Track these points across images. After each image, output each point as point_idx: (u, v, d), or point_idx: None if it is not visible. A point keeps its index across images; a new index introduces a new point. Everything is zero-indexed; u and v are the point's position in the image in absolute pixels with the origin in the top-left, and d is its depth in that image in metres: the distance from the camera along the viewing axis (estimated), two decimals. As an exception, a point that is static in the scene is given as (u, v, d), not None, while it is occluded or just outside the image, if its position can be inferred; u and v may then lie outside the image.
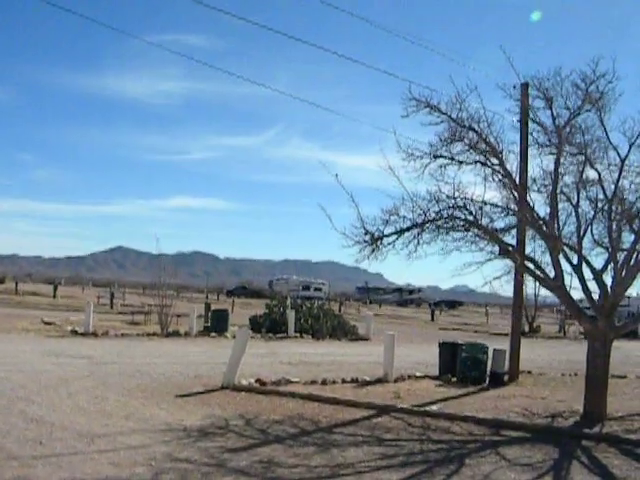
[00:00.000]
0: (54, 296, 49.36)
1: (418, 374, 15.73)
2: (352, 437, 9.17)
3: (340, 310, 46.26)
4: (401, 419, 10.61)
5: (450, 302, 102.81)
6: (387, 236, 11.66)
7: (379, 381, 14.35)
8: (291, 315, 25.83)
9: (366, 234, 11.58)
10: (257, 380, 13.09)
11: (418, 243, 11.71)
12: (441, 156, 11.86)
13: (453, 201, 11.59)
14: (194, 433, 8.75)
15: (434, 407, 11.59)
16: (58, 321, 25.11)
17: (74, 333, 21.45)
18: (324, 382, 13.71)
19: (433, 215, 11.56)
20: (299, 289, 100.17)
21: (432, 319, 52.77)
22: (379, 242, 11.63)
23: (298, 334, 25.72)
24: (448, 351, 16.14)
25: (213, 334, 23.66)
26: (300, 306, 28.38)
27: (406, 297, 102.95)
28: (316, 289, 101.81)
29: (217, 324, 24.61)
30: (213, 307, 30.93)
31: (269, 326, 26.65)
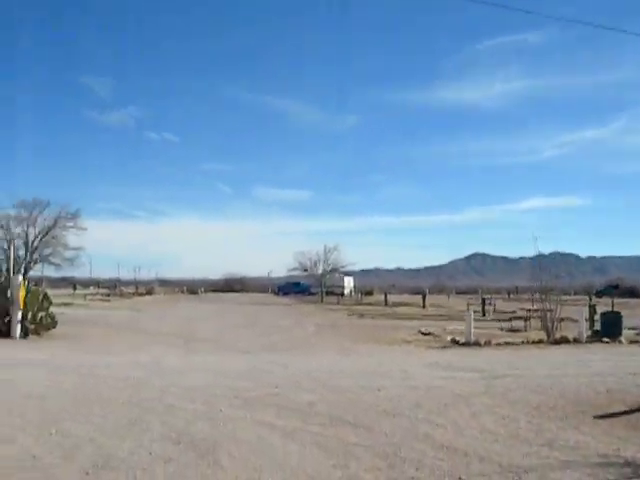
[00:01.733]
0: (423, 306, 49.84)
1: None
2: None
3: None
4: None
5: None
6: None
7: None
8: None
9: None
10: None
11: None
12: None
13: None
14: (644, 470, 6.89)
15: None
16: (435, 331, 24.52)
17: (455, 343, 20.57)
18: None
19: None
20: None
21: None
22: None
23: None
24: None
25: (605, 339, 21.15)
26: None
27: None
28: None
29: (608, 328, 22.02)
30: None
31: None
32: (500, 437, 8.19)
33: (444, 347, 19.77)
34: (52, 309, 21.59)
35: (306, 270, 67.87)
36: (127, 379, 11.98)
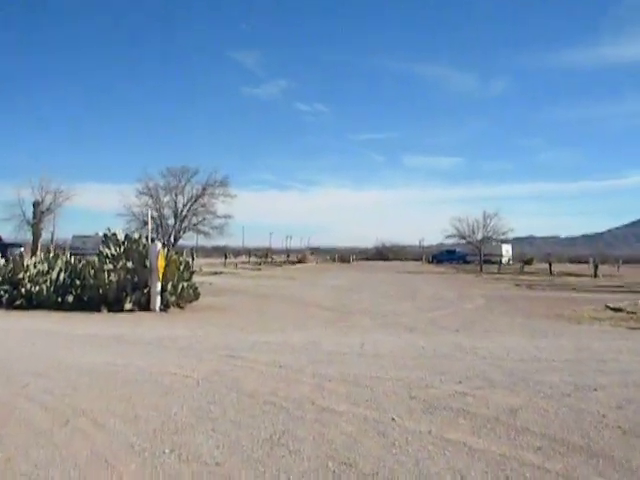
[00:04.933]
0: (595, 275, 45.54)
1: None
2: None
3: None
4: None
5: None
6: None
7: None
8: None
9: None
10: None
11: None
12: None
13: None
14: None
15: None
16: (626, 307, 21.00)
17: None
18: None
19: None
20: None
21: None
22: None
23: None
24: None
25: None
26: None
27: None
28: None
29: None
30: None
31: None
32: None
33: (648, 328, 16.41)
34: (202, 278, 19.99)
35: (464, 237, 64.30)
36: (274, 366, 9.77)
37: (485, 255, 64.44)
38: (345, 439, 6.05)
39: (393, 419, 6.78)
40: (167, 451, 5.62)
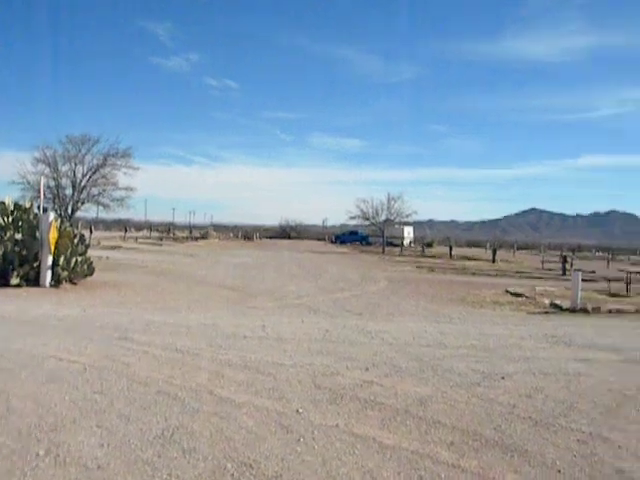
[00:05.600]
0: (493, 260, 46.48)
1: None
2: None
3: None
4: None
5: None
6: None
7: None
8: None
9: None
10: None
11: None
12: None
13: None
14: None
15: None
16: (526, 292, 21.29)
17: (557, 308, 17.33)
18: None
19: None
20: None
21: None
22: None
23: None
24: None
25: None
26: None
27: None
28: None
29: None
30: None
31: None
32: None
33: (546, 313, 16.60)
34: (98, 252, 18.89)
35: (367, 219, 64.48)
36: (170, 350, 9.13)
37: (387, 237, 64.91)
38: (245, 435, 5.53)
39: (298, 411, 6.30)
40: (41, 453, 4.93)
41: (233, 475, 4.66)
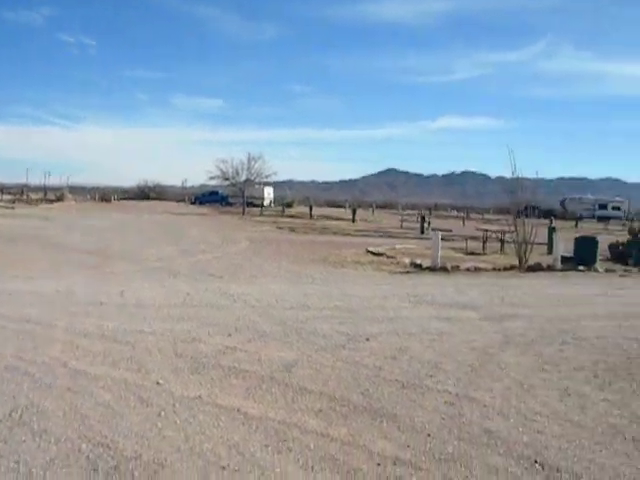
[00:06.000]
0: (353, 220, 47.13)
1: None
2: None
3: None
4: None
5: None
6: None
7: None
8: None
9: None
10: None
11: None
12: None
13: None
14: None
15: None
16: (386, 251, 21.64)
17: (417, 267, 17.69)
18: None
19: None
20: (595, 208, 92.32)
21: None
22: None
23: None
24: None
25: (581, 267, 18.69)
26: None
27: None
28: (614, 208, 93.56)
29: (583, 255, 19.56)
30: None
31: (638, 257, 21.19)
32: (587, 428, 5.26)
33: (408, 272, 16.91)
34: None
35: (227, 179, 63.56)
36: (20, 320, 8.54)
37: (248, 197, 64.42)
38: (102, 412, 5.18)
39: (158, 383, 6.00)
40: None
41: (89, 457, 4.33)
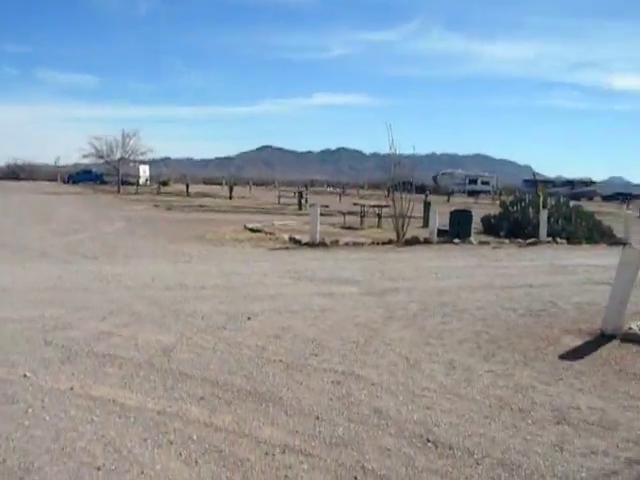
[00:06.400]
0: (230, 197, 46.60)
1: None
2: None
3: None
4: None
5: (627, 195, 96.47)
6: None
7: None
8: (544, 215, 20.84)
9: None
10: (648, 324, 8.38)
11: None
12: None
13: None
14: None
15: None
16: (265, 227, 21.38)
17: (296, 243, 17.54)
18: None
19: None
20: (465, 183, 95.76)
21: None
22: None
23: (551, 238, 20.76)
24: None
25: (456, 240, 19.12)
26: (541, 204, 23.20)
27: (578, 190, 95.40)
28: (483, 182, 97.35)
29: (459, 228, 20.01)
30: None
31: (508, 229, 22.00)
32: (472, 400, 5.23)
33: (287, 248, 16.71)
34: None
35: (102, 157, 61.32)
36: None
37: (123, 176, 62.48)
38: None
39: (25, 375, 5.51)
40: None
41: (-58, 465, 3.85)
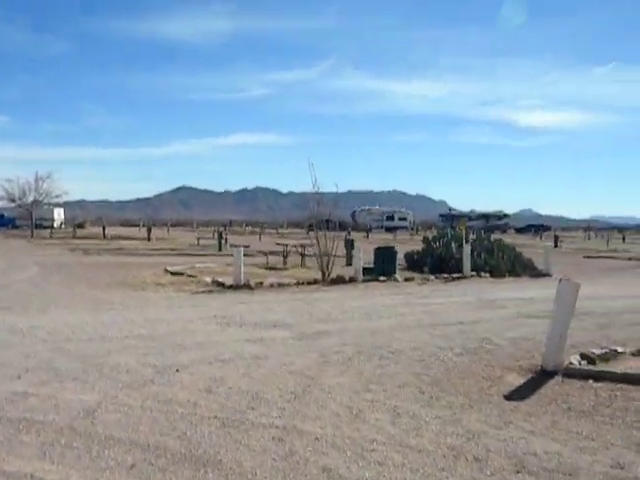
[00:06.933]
0: (149, 239, 45.65)
1: None
2: None
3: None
4: None
5: (538, 227, 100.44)
6: None
7: None
8: (467, 250, 20.98)
9: None
10: (583, 356, 8.32)
11: None
12: None
13: None
14: None
15: None
16: (186, 270, 20.82)
17: (221, 286, 17.08)
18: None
19: None
20: (383, 219, 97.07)
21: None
22: None
23: (475, 273, 20.93)
24: None
25: (382, 278, 19.01)
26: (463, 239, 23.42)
27: (492, 223, 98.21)
28: (400, 218, 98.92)
29: (383, 265, 19.90)
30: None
31: (432, 264, 22.09)
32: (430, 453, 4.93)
33: (210, 291, 16.27)
34: None
35: (14, 200, 59.26)
36: None
37: (37, 219, 60.60)
38: None
39: None
40: None
41: None
